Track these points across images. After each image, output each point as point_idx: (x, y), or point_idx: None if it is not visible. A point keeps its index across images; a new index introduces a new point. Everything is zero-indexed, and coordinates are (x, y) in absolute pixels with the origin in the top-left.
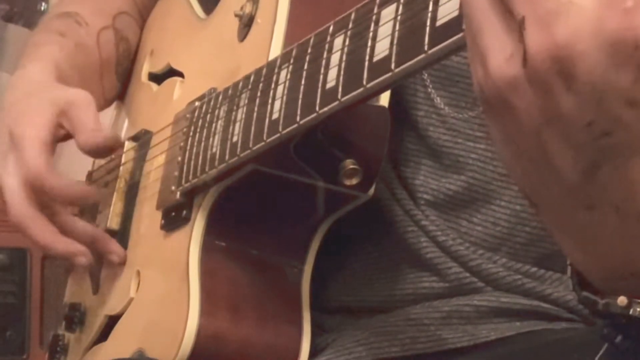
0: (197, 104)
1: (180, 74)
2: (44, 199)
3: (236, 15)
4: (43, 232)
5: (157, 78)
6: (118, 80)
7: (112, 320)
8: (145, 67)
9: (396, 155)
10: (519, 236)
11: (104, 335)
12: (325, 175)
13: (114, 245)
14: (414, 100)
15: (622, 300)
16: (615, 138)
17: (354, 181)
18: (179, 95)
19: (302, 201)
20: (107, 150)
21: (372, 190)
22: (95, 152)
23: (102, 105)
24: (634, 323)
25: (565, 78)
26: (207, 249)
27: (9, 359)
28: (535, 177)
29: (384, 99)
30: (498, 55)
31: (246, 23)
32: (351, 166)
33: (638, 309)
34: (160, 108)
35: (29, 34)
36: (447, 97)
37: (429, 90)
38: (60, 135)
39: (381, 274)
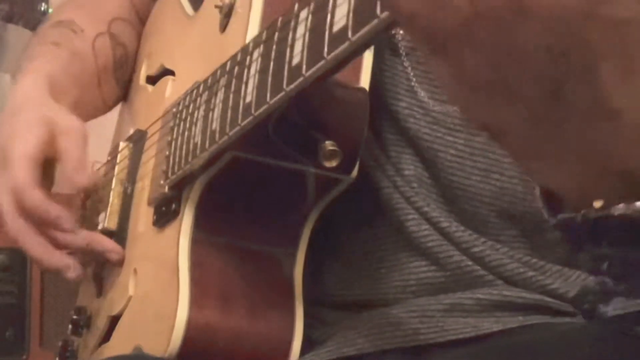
0: (182, 97)
1: (173, 73)
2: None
3: (216, 7)
4: (34, 246)
5: (154, 80)
6: (118, 85)
7: (115, 321)
8: (143, 71)
9: (384, 144)
10: (511, 233)
11: (108, 336)
12: (305, 158)
13: (109, 244)
14: (395, 91)
15: (597, 203)
16: (576, 55)
17: (334, 163)
18: (170, 92)
19: (286, 187)
20: (83, 189)
21: (354, 173)
22: (72, 186)
23: (102, 110)
24: (616, 226)
25: (518, 12)
26: (196, 240)
27: (8, 359)
28: (500, 110)
29: (364, 81)
30: None
31: (226, 14)
32: (330, 147)
33: (618, 208)
34: (154, 107)
35: (29, 35)
36: (429, 90)
37: (412, 83)
38: (52, 153)
39: (379, 264)
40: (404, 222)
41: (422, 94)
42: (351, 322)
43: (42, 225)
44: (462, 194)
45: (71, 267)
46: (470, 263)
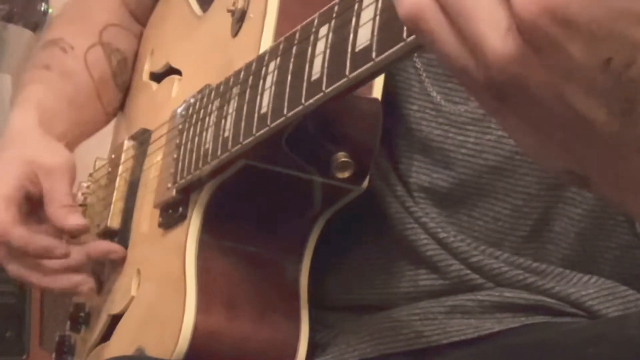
0: (191, 100)
1: (179, 72)
2: None
3: (229, 11)
4: (38, 280)
5: (157, 77)
6: (120, 91)
7: (115, 320)
8: (147, 67)
9: (391, 151)
10: (522, 230)
11: (107, 334)
12: (317, 169)
13: (108, 246)
14: (408, 94)
15: None
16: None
17: (347, 174)
18: (177, 93)
19: (296, 196)
20: (69, 233)
21: (365, 183)
22: (58, 228)
23: (105, 121)
24: None
25: (565, 26)
26: (203, 245)
27: (8, 359)
28: (575, 145)
29: (377, 91)
30: (495, 37)
31: (239, 18)
32: (343, 159)
33: None
34: (159, 106)
35: (29, 35)
36: (442, 92)
37: (425, 84)
38: (32, 193)
39: (380, 271)
40: (404, 231)
41: (434, 94)
42: (352, 326)
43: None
44: (475, 192)
45: (82, 283)
46: (469, 272)
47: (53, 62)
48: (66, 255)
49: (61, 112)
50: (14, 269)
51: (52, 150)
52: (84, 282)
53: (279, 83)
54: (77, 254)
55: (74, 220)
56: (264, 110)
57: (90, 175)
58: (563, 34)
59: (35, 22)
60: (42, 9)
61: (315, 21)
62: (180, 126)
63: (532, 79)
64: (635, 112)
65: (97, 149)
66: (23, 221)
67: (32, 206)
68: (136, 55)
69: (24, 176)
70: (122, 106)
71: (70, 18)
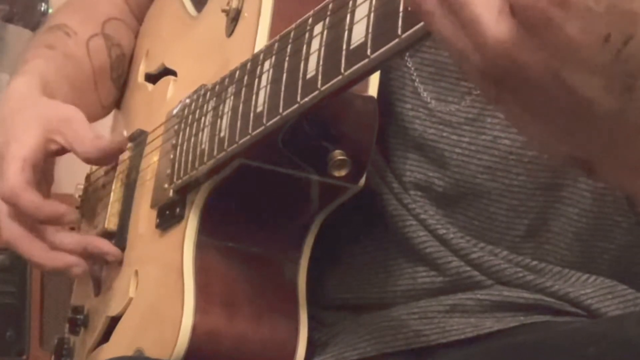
0: (187, 101)
1: (174, 73)
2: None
3: (223, 11)
4: (32, 251)
5: (153, 78)
6: (115, 86)
7: (114, 321)
8: (142, 68)
9: (385, 149)
10: (518, 229)
11: (106, 336)
12: (314, 168)
13: (106, 246)
14: (401, 93)
15: None
16: (639, 38)
17: (343, 172)
18: (173, 93)
19: (293, 195)
20: (114, 153)
21: (362, 181)
22: (102, 158)
23: (100, 114)
24: None
25: (561, 4)
26: (201, 245)
27: (8, 359)
28: (576, 129)
29: (372, 89)
30: (488, 19)
31: (233, 18)
32: (340, 157)
33: None
34: (155, 107)
35: (29, 35)
36: (435, 91)
37: (416, 84)
38: (52, 150)
39: (379, 269)
40: (402, 229)
41: (425, 94)
42: (352, 325)
43: (40, 229)
44: (470, 192)
45: (75, 264)
46: (468, 269)
47: (57, 43)
48: (75, 221)
49: (61, 89)
50: (11, 234)
51: (62, 104)
52: (77, 264)
53: (275, 82)
54: (76, 243)
55: (111, 142)
56: (259, 109)
57: (88, 176)
58: (558, 13)
59: (35, 22)
60: (42, 9)
61: (310, 19)
62: (176, 127)
63: (529, 62)
64: (636, 88)
65: None
66: (36, 185)
67: (49, 164)
68: (133, 54)
69: (42, 135)
70: (117, 105)
71: (75, 7)
